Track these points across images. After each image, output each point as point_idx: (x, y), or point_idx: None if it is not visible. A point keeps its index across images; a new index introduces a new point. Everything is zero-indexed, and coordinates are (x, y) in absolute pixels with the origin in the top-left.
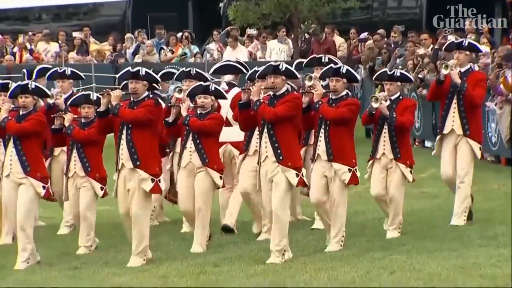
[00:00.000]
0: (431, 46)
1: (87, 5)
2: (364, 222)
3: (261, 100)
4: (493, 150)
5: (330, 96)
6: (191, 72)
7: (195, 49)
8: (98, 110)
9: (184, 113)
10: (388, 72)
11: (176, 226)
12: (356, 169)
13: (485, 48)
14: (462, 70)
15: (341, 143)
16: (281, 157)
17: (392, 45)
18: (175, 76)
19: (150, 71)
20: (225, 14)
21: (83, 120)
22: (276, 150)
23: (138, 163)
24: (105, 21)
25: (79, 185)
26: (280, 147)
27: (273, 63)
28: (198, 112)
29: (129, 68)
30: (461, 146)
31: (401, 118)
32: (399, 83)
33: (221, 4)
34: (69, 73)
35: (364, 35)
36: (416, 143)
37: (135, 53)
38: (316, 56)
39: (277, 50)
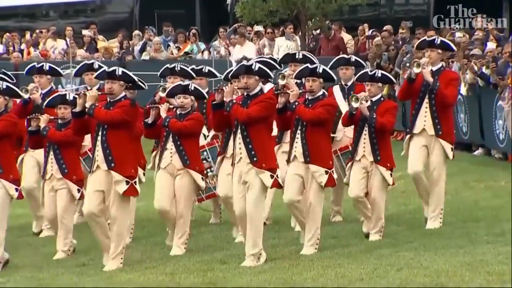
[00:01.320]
0: None
1: (95, 2)
2: None
3: (234, 101)
4: (501, 147)
5: (307, 97)
6: (176, 68)
7: (202, 46)
8: (73, 110)
9: (163, 114)
10: (369, 73)
11: None
12: (333, 171)
13: (492, 45)
14: (434, 68)
15: (318, 145)
16: (255, 158)
17: (400, 42)
18: (159, 73)
19: (127, 71)
20: (232, 11)
21: (59, 121)
22: (250, 152)
23: (112, 164)
24: (112, 18)
25: (56, 187)
26: (254, 148)
27: (245, 63)
28: (178, 112)
29: (105, 68)
30: (434, 149)
31: (381, 119)
32: (380, 84)
33: (228, 1)
34: (47, 68)
35: (369, 32)
36: None
37: (142, 50)
38: (290, 52)
39: (285, 47)
